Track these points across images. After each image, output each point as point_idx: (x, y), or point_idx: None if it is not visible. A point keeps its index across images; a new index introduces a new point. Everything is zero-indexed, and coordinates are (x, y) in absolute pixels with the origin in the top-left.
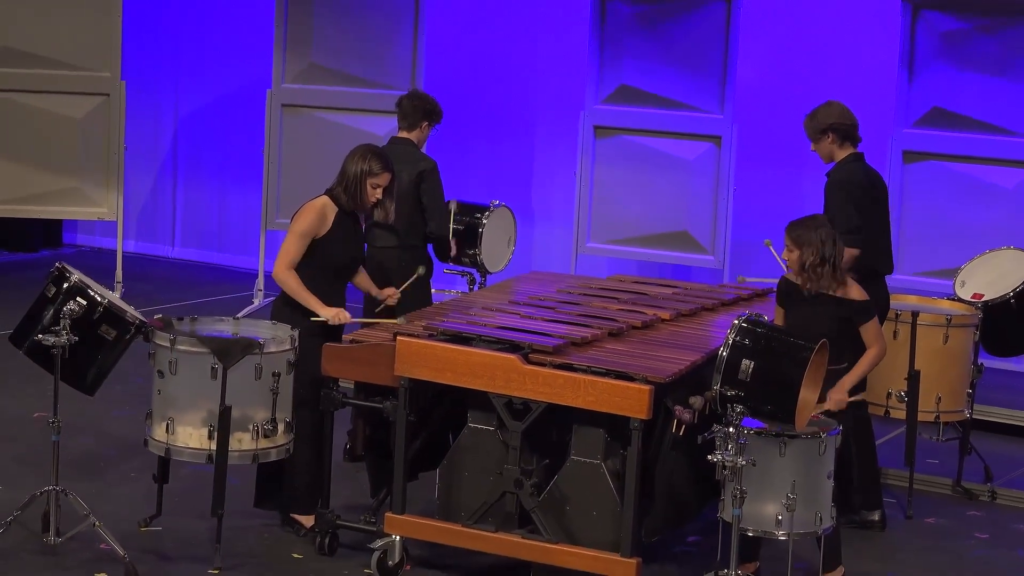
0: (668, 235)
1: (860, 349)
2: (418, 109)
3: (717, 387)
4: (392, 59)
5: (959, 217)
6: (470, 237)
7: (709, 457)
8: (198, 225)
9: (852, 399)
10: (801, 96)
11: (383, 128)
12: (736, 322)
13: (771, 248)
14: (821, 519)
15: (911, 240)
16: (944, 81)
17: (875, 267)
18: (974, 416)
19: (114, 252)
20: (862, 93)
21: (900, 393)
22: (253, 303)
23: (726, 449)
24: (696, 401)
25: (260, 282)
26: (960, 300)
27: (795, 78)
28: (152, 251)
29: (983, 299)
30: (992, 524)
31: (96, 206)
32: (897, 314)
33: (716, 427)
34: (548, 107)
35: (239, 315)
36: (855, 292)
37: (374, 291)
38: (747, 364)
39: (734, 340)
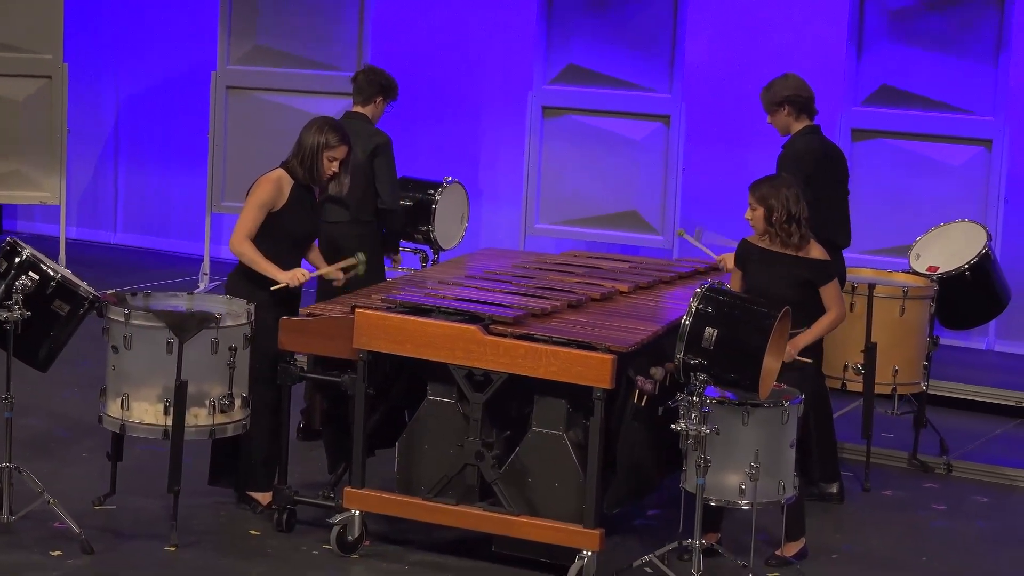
0: (617, 215)
1: (819, 314)
2: (373, 84)
3: (680, 355)
4: (338, 40)
5: (908, 195)
6: (423, 213)
7: (673, 426)
8: (141, 210)
9: (801, 359)
10: (750, 75)
11: (330, 110)
12: (699, 290)
13: (686, 236)
14: (784, 488)
15: (860, 218)
16: (893, 59)
17: (833, 239)
18: (928, 391)
19: (54, 239)
20: (811, 71)
21: (857, 366)
22: (199, 287)
23: (689, 418)
24: (657, 372)
25: (206, 266)
26: (915, 273)
27: (743, 57)
28: (93, 237)
29: (938, 271)
30: (949, 496)
31: (39, 190)
32: (853, 286)
33: (680, 396)
34: (496, 87)
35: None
36: (816, 252)
37: (323, 269)
38: (710, 332)
39: (697, 308)
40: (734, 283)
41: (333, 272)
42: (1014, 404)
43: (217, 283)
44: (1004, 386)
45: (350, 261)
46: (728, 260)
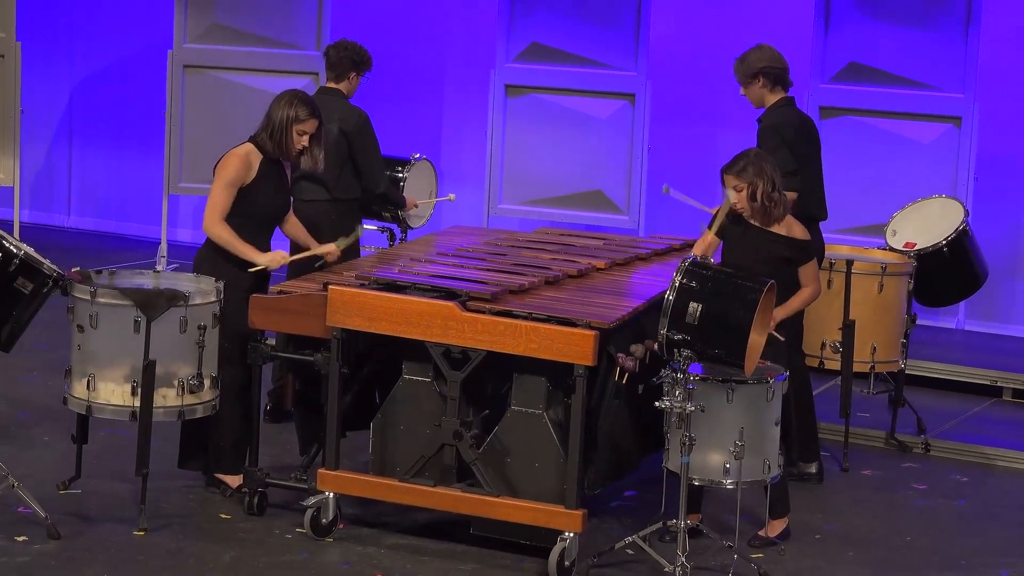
0: (582, 195)
1: (792, 291)
2: (344, 59)
3: (664, 331)
4: (297, 17)
5: (876, 174)
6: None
7: (656, 403)
8: (96, 193)
9: (775, 335)
10: (716, 52)
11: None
12: (683, 264)
13: (672, 192)
14: (769, 467)
15: (828, 197)
16: (861, 35)
17: (812, 213)
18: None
19: (7, 222)
20: (778, 47)
21: (835, 344)
22: (157, 271)
23: (674, 395)
24: (637, 349)
25: (163, 249)
26: (892, 249)
27: (710, 33)
28: (46, 220)
29: (916, 248)
30: (929, 475)
31: None
32: (831, 263)
33: (664, 372)
34: (457, 66)
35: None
36: (798, 230)
37: (313, 246)
38: (695, 307)
39: (681, 282)
40: (701, 244)
41: (323, 251)
42: (988, 383)
43: (175, 267)
44: (976, 365)
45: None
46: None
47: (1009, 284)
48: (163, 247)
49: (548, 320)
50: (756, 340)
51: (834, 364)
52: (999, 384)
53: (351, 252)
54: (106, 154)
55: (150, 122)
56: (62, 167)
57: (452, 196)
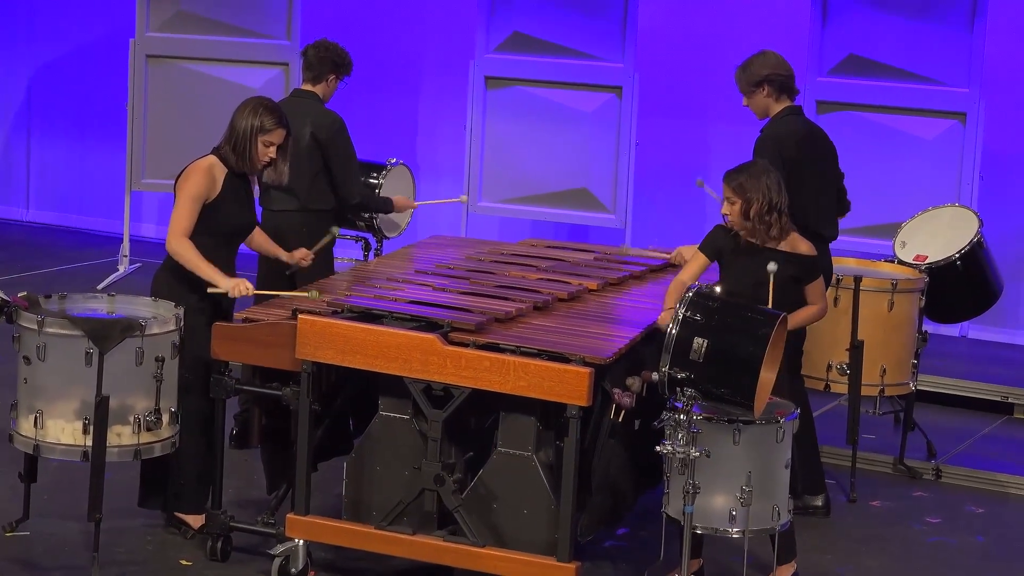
0: (566, 193)
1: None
2: (324, 61)
3: (666, 369)
4: (267, 5)
5: (877, 171)
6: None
7: (658, 448)
8: (55, 186)
9: None
10: (707, 43)
11: (258, 80)
12: (687, 295)
13: (705, 187)
14: (778, 513)
15: None
16: (861, 26)
17: (817, 230)
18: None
19: None
20: (773, 39)
21: (841, 365)
22: (119, 270)
23: (676, 439)
24: (634, 383)
25: (125, 247)
26: (902, 262)
27: (701, 23)
28: (3, 215)
29: (927, 261)
30: (942, 506)
31: None
32: (839, 279)
33: (666, 415)
34: (435, 56)
35: (102, 285)
36: (804, 247)
37: (283, 255)
38: (700, 343)
39: (684, 315)
40: (690, 269)
41: (294, 296)
42: (999, 399)
43: (137, 265)
44: (982, 377)
45: (305, 293)
46: (685, 252)
47: (1015, 289)
48: (125, 246)
49: (539, 355)
50: (766, 378)
51: (840, 387)
52: (1010, 400)
53: (325, 268)
54: (67, 146)
55: (112, 113)
56: (20, 159)
57: (464, 198)
